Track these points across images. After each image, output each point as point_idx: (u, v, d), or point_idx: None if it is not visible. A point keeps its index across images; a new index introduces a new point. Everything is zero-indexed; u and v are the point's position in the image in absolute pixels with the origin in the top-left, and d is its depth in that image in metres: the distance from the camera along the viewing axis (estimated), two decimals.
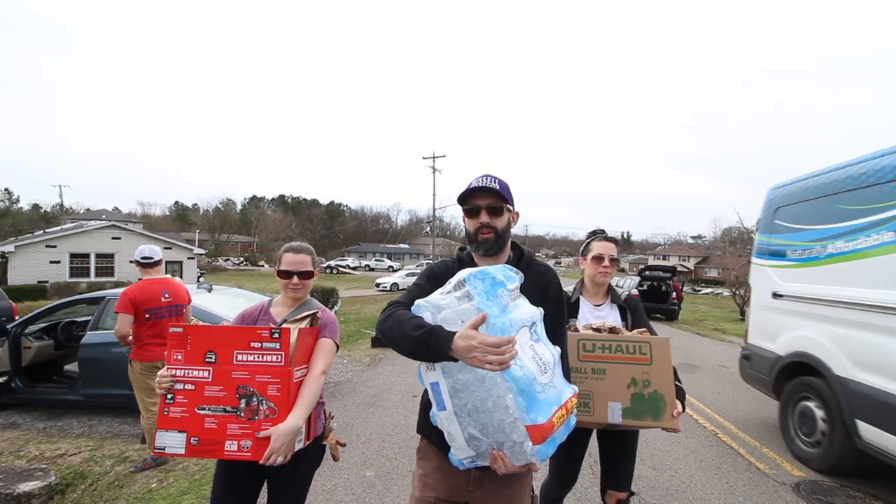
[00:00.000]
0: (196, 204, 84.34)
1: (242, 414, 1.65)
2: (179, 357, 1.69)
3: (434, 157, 31.89)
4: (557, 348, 1.48)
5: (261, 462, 1.61)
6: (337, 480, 3.56)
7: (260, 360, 1.68)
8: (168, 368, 1.69)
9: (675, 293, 16.34)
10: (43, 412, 5.25)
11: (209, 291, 5.73)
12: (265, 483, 1.97)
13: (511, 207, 1.66)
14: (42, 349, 5.46)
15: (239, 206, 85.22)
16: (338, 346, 1.97)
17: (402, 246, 74.85)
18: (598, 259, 2.27)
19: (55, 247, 22.15)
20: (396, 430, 4.66)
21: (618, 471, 2.22)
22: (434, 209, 34.71)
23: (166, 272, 4.19)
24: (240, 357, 1.68)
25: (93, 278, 22.39)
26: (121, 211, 74.07)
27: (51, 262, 21.87)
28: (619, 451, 2.22)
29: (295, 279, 1.98)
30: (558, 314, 1.60)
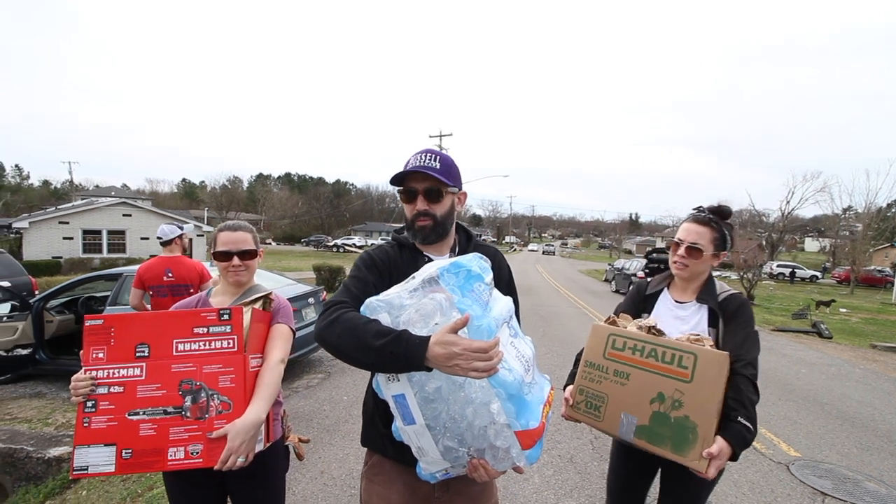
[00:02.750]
0: (203, 181, 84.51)
1: (188, 413, 1.39)
2: (100, 355, 1.42)
3: (441, 136, 31.62)
4: (529, 338, 1.37)
5: (216, 467, 1.36)
6: (349, 450, 3.73)
7: (207, 347, 1.44)
8: (85, 370, 1.41)
9: None
10: (65, 383, 5.46)
11: None
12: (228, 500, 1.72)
13: (455, 189, 1.45)
14: (63, 323, 5.67)
15: (246, 184, 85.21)
16: (294, 333, 1.73)
17: None
18: (675, 245, 1.80)
19: (68, 223, 22.45)
20: None
21: None
22: None
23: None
24: (181, 347, 1.44)
25: (105, 254, 22.73)
26: (129, 188, 74.63)
27: (64, 238, 22.21)
28: (681, 495, 1.75)
29: (235, 260, 1.72)
30: (517, 301, 1.47)
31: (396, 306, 1.17)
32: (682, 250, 1.76)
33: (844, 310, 17.39)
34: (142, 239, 24.10)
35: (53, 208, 27.32)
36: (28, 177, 69.45)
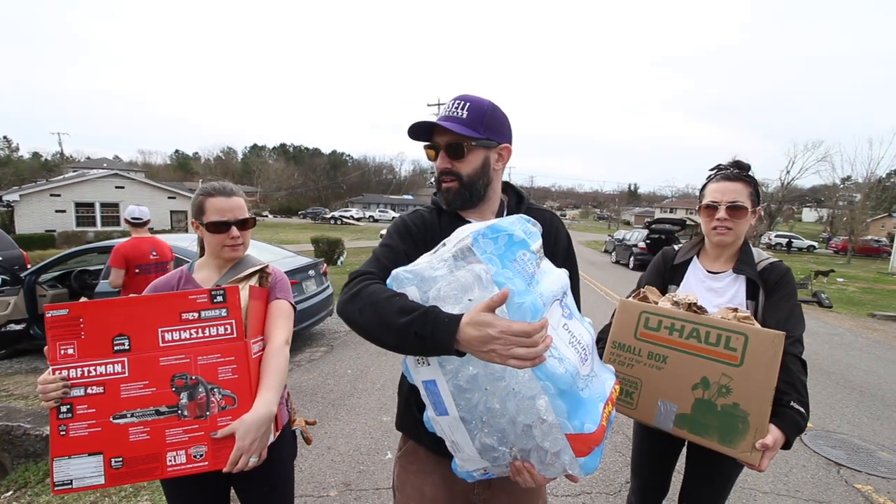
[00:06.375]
0: (197, 153, 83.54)
1: (186, 412, 1.22)
2: (70, 351, 1.21)
3: (439, 105, 30.86)
4: (589, 319, 1.19)
5: (226, 470, 1.22)
6: (356, 425, 3.67)
7: (200, 335, 1.25)
8: (53, 370, 1.19)
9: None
10: None
11: None
12: (231, 492, 1.58)
13: (490, 142, 1.24)
14: (57, 297, 5.52)
15: (240, 155, 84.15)
16: (295, 309, 1.55)
17: (405, 197, 74.34)
18: (710, 209, 1.62)
19: (60, 196, 22.07)
20: None
21: (702, 499, 1.69)
22: None
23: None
24: (168, 336, 1.24)
25: (99, 227, 22.46)
26: (122, 160, 73.31)
27: (56, 211, 21.87)
28: (711, 473, 1.64)
29: (234, 231, 1.49)
30: (576, 275, 1.30)
31: (426, 278, 0.99)
32: (722, 212, 1.59)
33: (841, 279, 17.43)
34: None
35: (45, 181, 26.81)
36: (17, 149, 67.70)
